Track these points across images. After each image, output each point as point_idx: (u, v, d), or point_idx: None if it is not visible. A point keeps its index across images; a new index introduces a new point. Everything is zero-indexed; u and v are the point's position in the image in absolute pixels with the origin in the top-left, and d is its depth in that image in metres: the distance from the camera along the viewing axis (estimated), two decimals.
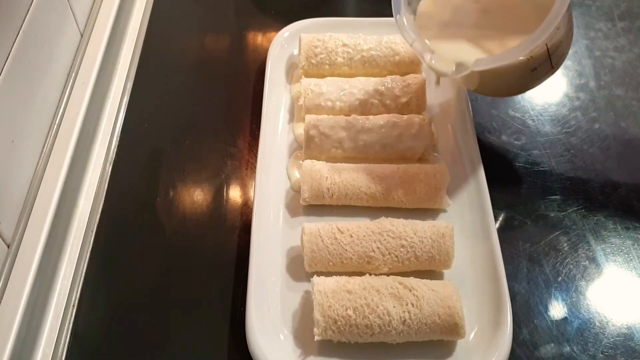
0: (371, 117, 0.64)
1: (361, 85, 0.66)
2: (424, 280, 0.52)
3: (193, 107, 0.72)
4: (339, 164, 0.61)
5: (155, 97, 0.73)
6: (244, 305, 0.52)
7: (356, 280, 0.52)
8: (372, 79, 0.67)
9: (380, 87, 0.66)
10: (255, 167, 0.62)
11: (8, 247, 0.54)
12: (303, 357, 0.51)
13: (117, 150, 0.67)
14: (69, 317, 0.54)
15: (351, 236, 0.55)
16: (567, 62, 0.76)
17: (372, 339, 0.50)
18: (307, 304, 0.54)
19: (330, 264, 0.54)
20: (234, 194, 0.64)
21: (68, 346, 0.53)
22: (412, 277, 0.53)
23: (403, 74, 0.68)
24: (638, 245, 0.60)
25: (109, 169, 0.65)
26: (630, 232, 0.60)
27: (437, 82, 0.58)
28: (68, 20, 0.68)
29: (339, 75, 0.69)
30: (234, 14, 0.84)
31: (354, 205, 0.60)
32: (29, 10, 0.58)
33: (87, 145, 0.66)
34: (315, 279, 0.52)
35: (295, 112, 0.68)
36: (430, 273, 0.56)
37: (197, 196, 0.63)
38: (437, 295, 0.51)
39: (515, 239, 0.60)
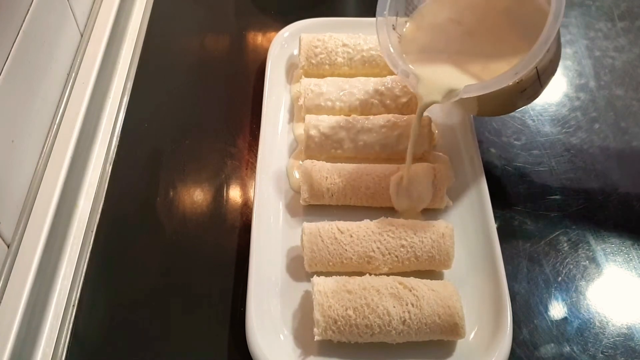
0: (371, 117, 0.64)
1: (361, 85, 0.66)
2: (424, 280, 0.52)
3: (193, 107, 0.72)
4: (339, 164, 0.61)
5: (155, 97, 0.73)
6: (244, 305, 0.52)
7: (356, 280, 0.52)
8: (372, 79, 0.67)
9: (380, 87, 0.66)
10: (255, 167, 0.62)
11: (8, 247, 0.54)
12: (303, 357, 0.51)
13: (117, 150, 0.67)
14: (69, 317, 0.54)
15: (351, 236, 0.55)
16: (567, 62, 0.76)
17: (372, 339, 0.50)
18: (307, 304, 0.54)
19: (330, 264, 0.54)
20: (234, 194, 0.64)
21: (68, 346, 0.53)
22: (412, 277, 0.53)
23: None
24: (638, 245, 0.60)
25: (109, 169, 0.65)
26: (630, 232, 0.60)
27: (423, 109, 0.56)
28: (68, 20, 0.68)
29: (339, 75, 0.69)
30: (234, 14, 0.84)
31: (354, 205, 0.60)
32: (29, 10, 0.58)
33: (87, 145, 0.66)
34: (315, 279, 0.52)
35: (295, 112, 0.68)
36: (430, 273, 0.56)
37: (197, 196, 0.63)
38: (437, 295, 0.51)
39: (515, 239, 0.60)
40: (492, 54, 0.54)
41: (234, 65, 0.76)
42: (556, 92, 0.73)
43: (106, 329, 0.54)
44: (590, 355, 0.52)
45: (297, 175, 0.63)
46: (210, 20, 0.83)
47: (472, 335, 0.52)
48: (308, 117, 0.63)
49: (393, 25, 0.56)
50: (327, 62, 0.69)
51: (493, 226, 0.57)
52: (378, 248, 0.54)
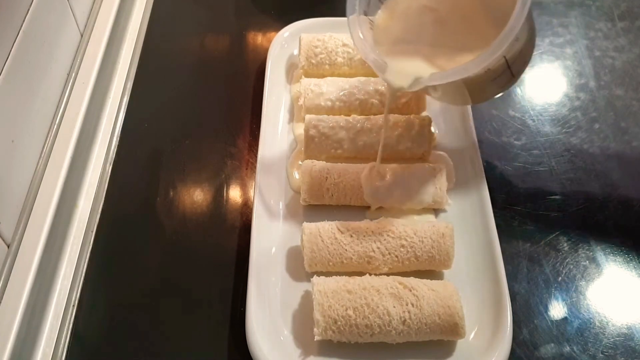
0: (371, 117, 0.64)
1: (361, 85, 0.66)
2: (424, 280, 0.52)
3: (193, 107, 0.72)
4: (339, 164, 0.61)
5: (155, 97, 0.73)
6: (244, 305, 0.52)
7: (356, 280, 0.52)
8: (372, 79, 0.67)
9: (380, 87, 0.66)
10: (255, 167, 0.62)
11: (8, 247, 0.54)
12: (303, 357, 0.51)
13: (117, 150, 0.67)
14: (69, 317, 0.54)
15: (351, 236, 0.55)
16: (567, 62, 0.76)
17: (372, 339, 0.50)
18: (307, 304, 0.54)
19: (330, 264, 0.54)
20: (234, 194, 0.64)
21: (68, 346, 0.53)
22: (412, 277, 0.53)
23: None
24: (638, 245, 0.59)
25: (109, 169, 0.65)
26: (630, 232, 0.60)
27: (392, 96, 0.56)
28: (68, 20, 0.68)
29: (339, 75, 0.69)
30: (234, 14, 0.84)
31: (354, 205, 0.60)
32: (29, 10, 0.58)
33: (87, 145, 0.66)
34: (315, 279, 0.52)
35: (295, 112, 0.68)
36: (430, 273, 0.56)
37: (197, 196, 0.63)
38: (437, 295, 0.51)
39: (515, 239, 0.60)
40: (465, 44, 0.53)
41: (234, 65, 0.76)
42: (556, 92, 0.73)
43: (106, 329, 0.54)
44: (590, 355, 0.52)
45: (297, 175, 0.63)
46: (210, 20, 0.83)
47: (472, 335, 0.52)
48: (308, 117, 0.63)
49: (365, 11, 0.55)
50: (327, 62, 0.69)
51: (493, 226, 0.57)
52: (378, 248, 0.54)
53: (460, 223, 0.59)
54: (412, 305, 0.50)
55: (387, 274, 0.54)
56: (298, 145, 0.65)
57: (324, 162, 0.61)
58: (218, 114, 0.71)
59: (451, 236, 0.55)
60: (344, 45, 0.69)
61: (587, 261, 0.58)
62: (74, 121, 0.64)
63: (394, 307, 0.50)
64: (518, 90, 0.73)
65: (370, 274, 0.54)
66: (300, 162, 0.62)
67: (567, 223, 0.61)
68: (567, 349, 0.53)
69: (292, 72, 0.72)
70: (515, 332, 0.52)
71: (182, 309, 0.55)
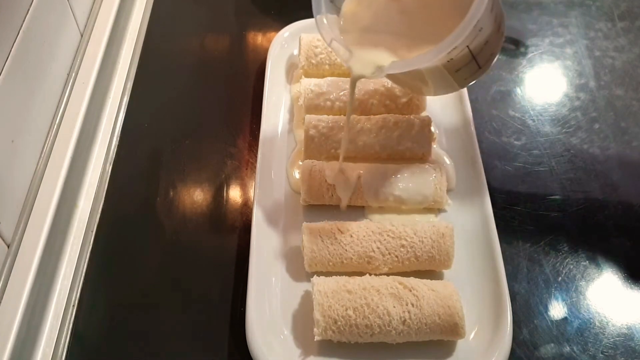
0: (371, 117, 0.64)
1: (361, 85, 0.66)
2: (424, 280, 0.52)
3: (193, 107, 0.72)
4: (338, 163, 0.61)
5: (155, 97, 0.73)
6: (244, 305, 0.52)
7: (356, 280, 0.52)
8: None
9: (380, 87, 0.66)
10: (255, 167, 0.62)
11: (8, 247, 0.54)
12: (303, 357, 0.51)
13: (117, 150, 0.67)
14: (69, 317, 0.54)
15: (351, 236, 0.55)
16: (567, 62, 0.76)
17: (372, 339, 0.50)
18: (307, 304, 0.54)
19: (330, 264, 0.54)
20: (234, 194, 0.64)
21: (68, 346, 0.53)
22: (412, 277, 0.53)
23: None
24: (638, 245, 0.59)
25: (109, 169, 0.65)
26: (630, 232, 0.60)
27: (354, 83, 0.56)
28: (68, 20, 0.68)
29: (339, 75, 0.69)
30: (234, 14, 0.84)
31: (354, 205, 0.60)
32: (29, 10, 0.58)
33: (87, 145, 0.66)
34: (315, 279, 0.52)
35: (295, 112, 0.68)
36: (430, 273, 0.56)
37: (197, 196, 0.63)
38: (437, 295, 0.51)
39: (515, 239, 0.60)
40: (430, 34, 0.53)
41: (234, 65, 0.76)
42: (556, 92, 0.73)
43: (106, 329, 0.54)
44: (590, 355, 0.52)
45: (297, 175, 0.63)
46: (210, 20, 0.83)
47: (472, 335, 0.52)
48: (308, 117, 0.63)
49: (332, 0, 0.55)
50: (327, 62, 0.69)
51: (493, 226, 0.57)
52: (378, 248, 0.54)
53: (460, 223, 0.59)
54: (412, 305, 0.50)
55: (387, 274, 0.54)
56: (298, 145, 0.65)
57: (324, 162, 0.61)
58: (218, 114, 0.71)
59: (451, 236, 0.55)
60: None
61: (587, 261, 0.58)
62: (74, 121, 0.64)
63: (394, 307, 0.50)
64: (518, 90, 0.73)
65: (370, 274, 0.54)
66: (300, 162, 0.62)
67: (567, 223, 0.61)
68: (567, 349, 0.53)
69: (292, 72, 0.72)
70: (515, 332, 0.52)
71: (182, 309, 0.55)
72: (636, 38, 0.79)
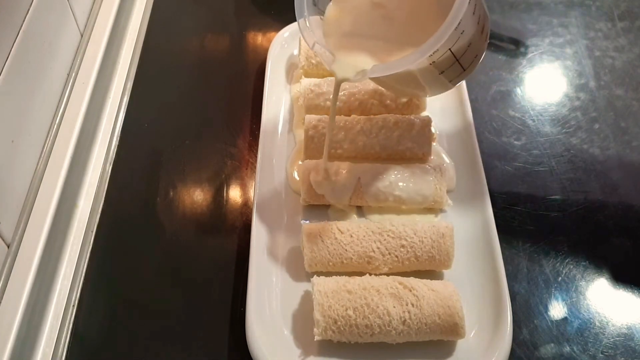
0: (371, 117, 0.64)
1: (361, 85, 0.66)
2: (424, 280, 0.52)
3: (193, 107, 0.72)
4: (337, 163, 0.61)
5: (155, 97, 0.73)
6: (244, 305, 0.52)
7: (356, 280, 0.52)
8: None
9: (380, 87, 0.66)
10: (255, 167, 0.62)
11: (8, 247, 0.54)
12: (303, 357, 0.51)
13: (117, 150, 0.67)
14: (69, 317, 0.54)
15: (351, 236, 0.55)
16: (567, 62, 0.76)
17: (372, 339, 0.50)
18: (307, 304, 0.54)
19: (330, 264, 0.54)
20: (234, 194, 0.64)
21: (68, 346, 0.53)
22: (412, 277, 0.53)
23: None
24: (638, 245, 0.60)
25: (109, 169, 0.65)
26: (630, 232, 0.60)
27: (338, 86, 0.56)
28: (68, 20, 0.68)
29: None
30: (234, 14, 0.84)
31: (354, 206, 0.60)
32: (29, 10, 0.58)
33: (87, 145, 0.66)
34: (315, 279, 0.52)
35: (295, 112, 0.68)
36: (430, 273, 0.56)
37: (197, 196, 0.64)
38: (437, 295, 0.51)
39: (515, 239, 0.60)
40: (413, 39, 0.53)
41: (234, 65, 0.76)
42: (556, 92, 0.73)
43: (106, 329, 0.54)
44: (590, 355, 0.52)
45: (296, 175, 0.63)
46: (210, 20, 0.83)
47: (472, 335, 0.52)
48: (308, 117, 0.63)
49: (314, 1, 0.55)
50: None
51: (493, 226, 0.57)
52: (378, 248, 0.54)
53: (460, 223, 0.59)
54: (412, 305, 0.50)
55: (387, 274, 0.54)
56: (297, 145, 0.65)
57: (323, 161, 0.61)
58: (218, 114, 0.71)
59: (451, 236, 0.55)
60: None
61: (587, 261, 0.58)
62: (74, 121, 0.64)
63: (394, 307, 0.50)
64: (518, 90, 0.73)
65: (370, 274, 0.54)
66: (300, 162, 0.62)
67: (567, 223, 0.61)
68: (567, 349, 0.53)
69: (292, 72, 0.72)
70: (515, 332, 0.52)
71: (181, 309, 0.55)
72: (636, 38, 0.79)
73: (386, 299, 0.50)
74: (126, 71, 0.74)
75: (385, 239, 0.54)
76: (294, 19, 0.74)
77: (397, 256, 0.54)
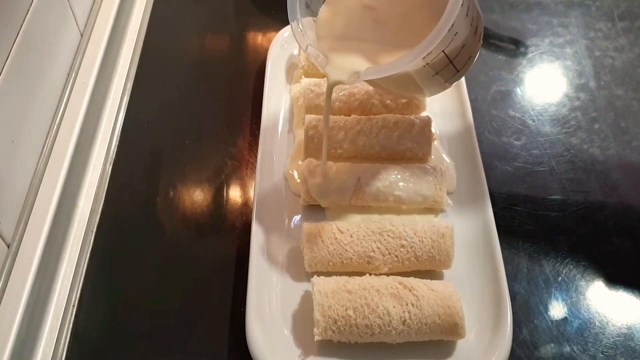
0: (371, 117, 0.64)
1: (361, 85, 0.66)
2: (424, 280, 0.52)
3: (193, 107, 0.72)
4: (338, 164, 0.61)
5: (155, 97, 0.73)
6: (244, 305, 0.52)
7: (356, 280, 0.52)
8: None
9: None
10: (255, 167, 0.62)
11: (8, 247, 0.54)
12: (303, 357, 0.51)
13: (117, 150, 0.67)
14: (69, 317, 0.54)
15: (351, 236, 0.55)
16: (567, 62, 0.76)
17: (372, 339, 0.50)
18: (307, 304, 0.54)
19: (330, 264, 0.54)
20: (234, 194, 0.64)
21: (68, 346, 0.53)
22: (412, 277, 0.53)
23: None
24: (638, 245, 0.59)
25: (109, 169, 0.65)
26: (630, 232, 0.60)
27: (330, 89, 0.56)
28: (68, 20, 0.68)
29: None
30: (234, 14, 0.84)
31: (354, 205, 0.60)
32: (29, 10, 0.58)
33: (87, 145, 0.66)
34: (315, 279, 0.52)
35: (295, 112, 0.68)
36: (430, 273, 0.56)
37: (197, 196, 0.63)
38: (437, 295, 0.51)
39: (515, 239, 0.60)
40: (405, 41, 0.53)
41: (234, 65, 0.76)
42: (556, 92, 0.73)
43: (106, 329, 0.54)
44: (590, 355, 0.52)
45: (296, 175, 0.63)
46: (210, 20, 0.83)
47: (472, 335, 0.52)
48: (308, 117, 0.63)
49: (307, 3, 0.55)
50: None
51: (493, 226, 0.57)
52: (378, 248, 0.54)
53: (460, 223, 0.59)
54: (412, 305, 0.50)
55: (387, 274, 0.54)
56: (297, 145, 0.65)
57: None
58: (218, 114, 0.71)
59: (451, 236, 0.55)
60: None
61: (587, 261, 0.58)
62: (74, 121, 0.64)
63: (394, 307, 0.50)
64: (518, 90, 0.73)
65: (370, 274, 0.54)
66: (299, 162, 0.62)
67: (567, 223, 0.61)
68: (567, 349, 0.53)
69: (292, 72, 0.72)
70: (515, 332, 0.52)
71: (181, 309, 0.55)
72: (636, 38, 0.79)
73: (386, 299, 0.50)
74: (126, 71, 0.74)
75: (385, 239, 0.54)
76: None
77: (397, 256, 0.54)
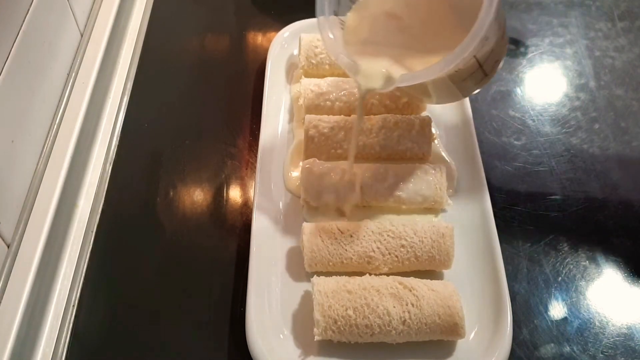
0: (371, 117, 0.64)
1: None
2: (424, 280, 0.52)
3: (193, 107, 0.72)
4: (338, 163, 0.61)
5: (155, 97, 0.73)
6: (244, 305, 0.52)
7: (356, 280, 0.52)
8: None
9: None
10: (255, 167, 0.62)
11: (8, 247, 0.54)
12: (303, 357, 0.51)
13: (117, 150, 0.67)
14: (69, 317, 0.54)
15: (351, 236, 0.55)
16: (567, 62, 0.76)
17: (372, 339, 0.50)
18: (307, 304, 0.54)
19: (330, 264, 0.54)
20: (234, 194, 0.64)
21: (68, 346, 0.53)
22: (412, 277, 0.53)
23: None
24: (638, 245, 0.60)
25: (109, 169, 0.65)
26: (630, 232, 0.60)
27: (362, 97, 0.57)
28: (68, 20, 0.68)
29: (339, 76, 0.69)
30: (234, 14, 0.84)
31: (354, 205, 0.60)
32: (29, 10, 0.58)
33: (87, 145, 0.66)
34: (315, 279, 0.52)
35: (295, 112, 0.68)
36: (430, 273, 0.56)
37: (197, 196, 0.63)
38: (437, 295, 0.51)
39: (515, 239, 0.60)
40: (432, 47, 0.54)
41: (234, 65, 0.76)
42: (556, 92, 0.73)
43: (106, 329, 0.54)
44: (590, 355, 0.52)
45: (295, 175, 0.63)
46: (210, 20, 0.83)
47: (472, 335, 0.52)
48: (308, 117, 0.63)
49: (335, 11, 0.55)
50: (327, 62, 0.69)
51: (493, 226, 0.57)
52: (378, 248, 0.54)
53: (460, 223, 0.59)
54: (412, 305, 0.50)
55: (387, 274, 0.54)
56: (296, 145, 0.65)
57: (324, 161, 0.61)
58: (218, 114, 0.71)
59: (451, 236, 0.55)
60: None
61: (587, 261, 0.58)
62: (74, 121, 0.64)
63: (394, 307, 0.50)
64: (518, 90, 0.73)
65: (370, 274, 0.54)
66: (300, 162, 0.62)
67: (567, 223, 0.61)
68: (567, 349, 0.53)
69: (292, 72, 0.72)
70: (515, 332, 0.52)
71: (181, 309, 0.55)
72: (636, 38, 0.79)
73: (386, 299, 0.50)
74: (126, 71, 0.74)
75: (385, 239, 0.54)
76: (294, 19, 0.75)
77: (397, 256, 0.54)
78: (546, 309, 0.55)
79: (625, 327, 0.54)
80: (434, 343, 0.51)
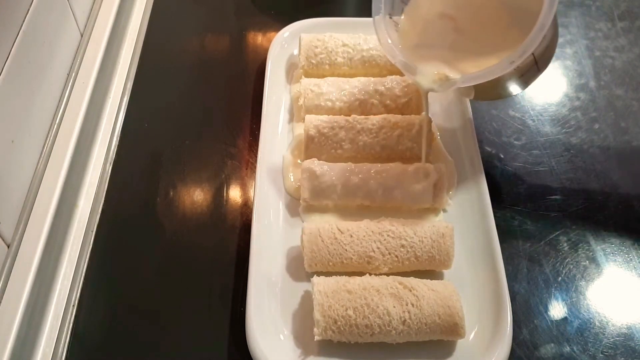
0: (371, 117, 0.64)
1: (361, 85, 0.66)
2: (424, 280, 0.52)
3: (193, 107, 0.72)
4: (338, 164, 0.61)
5: (155, 97, 0.73)
6: (244, 305, 0.52)
7: (356, 280, 0.52)
8: (372, 78, 0.67)
9: (380, 87, 0.66)
10: (255, 167, 0.62)
11: (8, 247, 0.54)
12: (303, 357, 0.51)
13: (117, 150, 0.67)
14: (69, 317, 0.54)
15: (351, 236, 0.55)
16: (567, 62, 0.76)
17: (372, 339, 0.50)
18: (307, 304, 0.54)
19: (330, 264, 0.54)
20: (234, 194, 0.64)
21: (68, 346, 0.53)
22: (412, 277, 0.53)
23: (403, 74, 0.68)
24: (638, 245, 0.60)
25: (109, 169, 0.65)
26: (630, 232, 0.60)
27: (425, 97, 0.58)
28: (68, 20, 0.68)
29: (339, 75, 0.69)
30: (234, 14, 0.84)
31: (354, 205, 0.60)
32: (29, 10, 0.58)
33: (87, 145, 0.66)
34: (315, 279, 0.52)
35: (295, 112, 0.68)
36: (430, 273, 0.56)
37: (197, 196, 0.63)
38: (437, 295, 0.51)
39: (515, 239, 0.60)
40: (486, 47, 0.54)
41: (234, 65, 0.76)
42: (556, 92, 0.73)
43: (106, 329, 0.54)
44: (590, 355, 0.52)
45: (292, 177, 0.63)
46: (210, 20, 0.83)
47: (472, 335, 0.52)
48: (308, 117, 0.63)
49: (390, 14, 0.56)
50: (327, 62, 0.69)
51: (493, 226, 0.57)
52: (378, 248, 0.54)
53: (460, 223, 0.59)
54: (412, 305, 0.50)
55: (387, 274, 0.54)
56: (296, 145, 0.65)
57: (324, 161, 0.61)
58: (218, 114, 0.71)
59: (451, 236, 0.55)
60: (344, 45, 0.69)
61: (587, 261, 0.58)
62: (74, 121, 0.64)
63: (394, 307, 0.50)
64: None
65: (370, 274, 0.54)
66: (299, 162, 0.62)
67: (567, 223, 0.61)
68: (567, 349, 0.53)
69: (292, 72, 0.72)
70: (515, 332, 0.52)
71: (181, 309, 0.55)
72: (636, 38, 0.79)
73: (386, 299, 0.50)
74: (126, 71, 0.74)
75: (385, 239, 0.54)
76: (294, 19, 0.75)
77: (397, 256, 0.54)
78: (546, 309, 0.55)
79: (625, 327, 0.54)
80: (434, 343, 0.51)
